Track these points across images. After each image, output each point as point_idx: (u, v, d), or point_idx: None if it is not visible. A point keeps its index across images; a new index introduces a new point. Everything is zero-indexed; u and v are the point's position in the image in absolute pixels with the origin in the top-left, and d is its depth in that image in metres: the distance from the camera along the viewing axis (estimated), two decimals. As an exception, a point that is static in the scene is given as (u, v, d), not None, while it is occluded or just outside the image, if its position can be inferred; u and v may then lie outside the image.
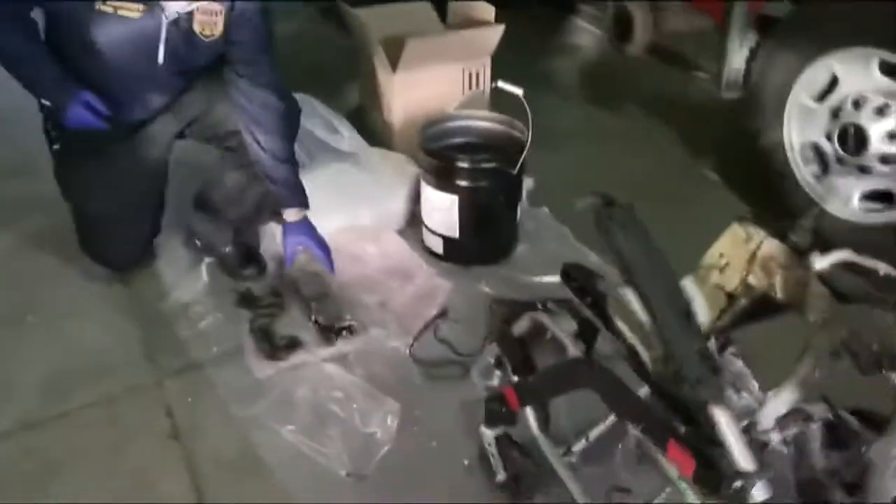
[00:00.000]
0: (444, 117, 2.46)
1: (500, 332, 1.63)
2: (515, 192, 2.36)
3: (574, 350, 1.41)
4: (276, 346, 2.02)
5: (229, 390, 1.93)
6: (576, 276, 1.42)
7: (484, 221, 2.33)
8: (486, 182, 2.26)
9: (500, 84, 2.33)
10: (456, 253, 2.37)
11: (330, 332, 2.06)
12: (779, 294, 1.47)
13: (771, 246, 1.46)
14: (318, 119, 2.56)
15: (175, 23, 1.89)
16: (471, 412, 1.87)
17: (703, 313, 1.23)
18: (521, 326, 1.58)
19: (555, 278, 2.31)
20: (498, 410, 1.59)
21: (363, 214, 2.42)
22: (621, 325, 1.30)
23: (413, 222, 2.53)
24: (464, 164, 2.24)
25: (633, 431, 1.26)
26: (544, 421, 1.57)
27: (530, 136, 2.24)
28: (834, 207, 2.41)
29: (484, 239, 2.37)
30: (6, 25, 1.85)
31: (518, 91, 2.27)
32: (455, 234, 2.33)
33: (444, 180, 2.28)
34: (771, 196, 2.59)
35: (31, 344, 2.10)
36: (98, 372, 2.00)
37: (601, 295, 1.36)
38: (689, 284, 1.26)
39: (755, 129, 2.58)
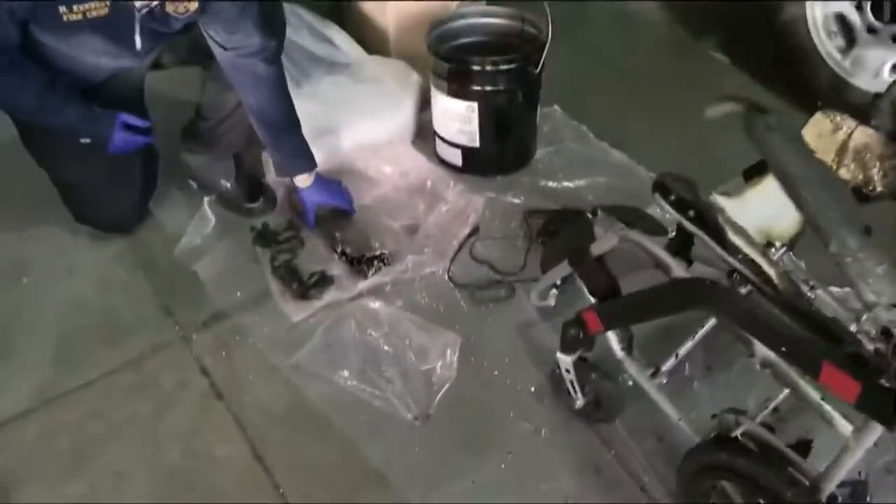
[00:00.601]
0: (451, 16, 2.24)
1: (576, 250, 1.49)
2: (535, 93, 2.18)
3: (679, 269, 1.28)
4: (305, 285, 1.87)
5: (265, 338, 1.78)
6: (673, 186, 1.28)
7: (505, 127, 2.16)
8: (507, 84, 2.08)
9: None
10: (476, 163, 2.21)
11: (360, 264, 1.91)
12: (878, 186, 1.36)
13: (863, 134, 1.34)
14: (306, 30, 2.31)
15: (148, 13, 1.65)
16: (527, 335, 1.78)
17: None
18: (602, 245, 1.45)
19: (582, 181, 2.21)
20: (577, 335, 1.48)
21: (370, 130, 2.22)
22: (737, 240, 1.18)
23: (421, 134, 2.35)
24: (483, 67, 2.04)
25: (765, 354, 1.16)
26: (628, 342, 1.47)
27: (550, 30, 2.05)
28: (862, 81, 2.30)
29: (505, 146, 2.20)
30: (11, 83, 1.66)
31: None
32: (475, 143, 2.16)
33: (459, 86, 2.09)
34: (790, 75, 2.46)
35: (31, 308, 1.90)
36: (114, 333, 1.82)
37: (707, 206, 1.23)
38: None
39: (772, 4, 2.42)
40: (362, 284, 1.86)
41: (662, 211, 1.32)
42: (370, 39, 2.51)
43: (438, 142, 2.24)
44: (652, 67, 2.76)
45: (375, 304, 1.79)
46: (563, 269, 1.57)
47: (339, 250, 1.95)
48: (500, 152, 2.20)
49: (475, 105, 2.09)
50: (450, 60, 2.08)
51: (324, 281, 1.87)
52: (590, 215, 1.77)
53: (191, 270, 1.94)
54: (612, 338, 1.45)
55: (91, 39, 1.65)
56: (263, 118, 1.89)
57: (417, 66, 2.38)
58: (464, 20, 2.25)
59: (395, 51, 2.47)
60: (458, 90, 2.09)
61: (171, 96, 2.27)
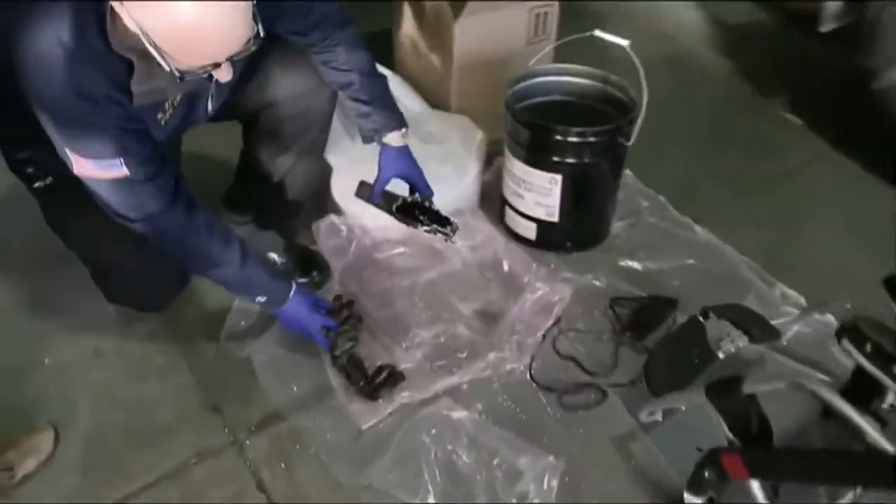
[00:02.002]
0: (528, 73, 2.03)
1: (720, 384, 1.28)
2: (622, 165, 1.98)
3: (880, 438, 1.07)
4: (373, 383, 1.64)
5: (329, 447, 1.55)
6: (869, 333, 1.07)
7: (588, 201, 1.96)
8: (594, 156, 1.87)
9: (599, 33, 1.90)
10: (552, 238, 2.00)
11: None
12: None
13: None
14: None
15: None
16: (627, 453, 1.56)
17: None
18: (761, 386, 1.24)
19: (666, 263, 2.01)
20: (712, 479, 1.27)
21: (436, 196, 1.99)
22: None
23: (484, 199, 2.14)
24: (571, 138, 1.83)
25: None
26: (775, 490, 1.26)
27: (646, 95, 1.84)
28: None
29: (585, 221, 2.00)
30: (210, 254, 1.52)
31: (624, 42, 1.85)
32: (553, 217, 1.95)
33: (541, 155, 1.88)
34: (881, 144, 2.29)
35: (54, 398, 1.65)
36: (152, 434, 1.58)
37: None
38: None
39: (869, 69, 2.24)
40: (438, 385, 1.64)
41: (850, 359, 1.11)
42: (425, 88, 2.29)
43: (509, 212, 2.03)
44: (721, 127, 2.59)
45: (455, 414, 1.57)
46: (691, 397, 1.36)
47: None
48: (578, 227, 1.99)
49: (558, 178, 1.88)
50: (531, 127, 1.87)
51: (394, 378, 1.65)
52: (700, 319, 1.58)
53: (239, 357, 1.71)
54: (756, 486, 1.25)
55: (174, 121, 1.48)
56: (354, 67, 1.66)
57: (479, 121, 2.17)
58: (540, 78, 2.04)
59: (455, 103, 2.26)
60: (540, 160, 1.88)
61: (203, 152, 2.04)
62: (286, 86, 1.66)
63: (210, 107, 1.52)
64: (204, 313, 1.81)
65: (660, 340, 1.70)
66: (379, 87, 1.70)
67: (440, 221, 1.73)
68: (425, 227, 1.73)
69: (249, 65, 1.55)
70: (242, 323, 1.77)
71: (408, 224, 1.74)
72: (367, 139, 1.73)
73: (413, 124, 2.05)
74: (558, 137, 1.84)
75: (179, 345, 1.75)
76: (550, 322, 1.77)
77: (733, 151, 2.43)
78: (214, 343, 1.74)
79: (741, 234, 2.05)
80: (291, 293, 1.60)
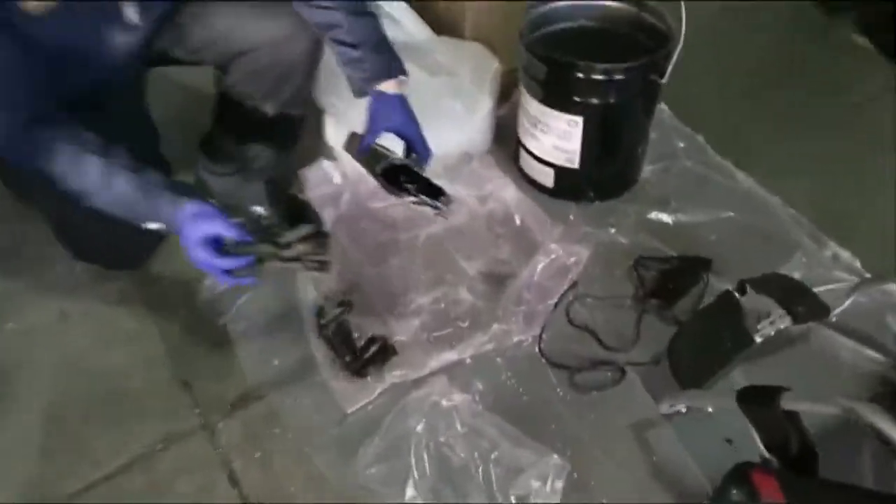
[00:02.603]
0: (550, -7, 1.75)
1: (755, 391, 1.08)
2: (654, 104, 1.72)
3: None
4: (361, 358, 1.46)
5: (310, 433, 1.39)
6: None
7: (614, 145, 1.71)
8: (622, 96, 1.62)
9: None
10: (571, 186, 1.76)
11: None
12: None
13: None
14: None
15: None
16: (645, 443, 1.38)
17: None
18: (804, 406, 1.03)
19: (703, 215, 1.77)
20: (741, 499, 1.08)
21: (440, 136, 1.75)
22: None
23: (497, 138, 1.90)
24: (595, 76, 1.57)
25: None
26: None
27: (684, 22, 1.56)
28: None
29: (610, 166, 1.76)
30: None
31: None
32: (573, 163, 1.71)
33: (560, 94, 1.63)
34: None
35: (16, 365, 1.51)
36: (119, 411, 1.43)
37: None
38: None
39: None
40: (434, 361, 1.46)
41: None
42: (433, 12, 2.01)
43: (524, 155, 1.79)
44: (776, 57, 2.27)
45: (452, 397, 1.38)
46: (720, 399, 1.16)
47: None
48: (602, 174, 1.76)
49: (579, 120, 1.63)
50: (548, 62, 1.61)
51: (385, 353, 1.47)
52: (737, 294, 1.36)
53: (217, 324, 1.54)
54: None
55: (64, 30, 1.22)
56: (352, 6, 1.44)
57: (496, 49, 1.91)
58: (562, 1, 1.76)
59: (470, 29, 1.98)
60: (559, 99, 1.63)
61: (181, 82, 1.82)
62: (259, 31, 1.44)
63: (134, 18, 1.29)
64: (181, 273, 1.63)
65: (689, 317, 1.48)
66: (370, 27, 1.46)
67: (431, 192, 1.48)
68: (412, 198, 1.48)
69: None
70: (222, 285, 1.59)
71: (391, 192, 1.50)
72: (358, 92, 1.48)
73: (418, 54, 1.81)
74: (580, 75, 1.58)
75: (152, 308, 1.59)
76: (565, 287, 1.56)
77: (789, 86, 2.12)
78: (190, 307, 1.57)
79: (789, 183, 1.80)
80: (183, 212, 1.27)
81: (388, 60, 1.47)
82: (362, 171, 1.69)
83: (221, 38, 1.46)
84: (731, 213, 1.74)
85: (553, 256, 1.52)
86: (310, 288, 1.57)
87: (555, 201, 1.76)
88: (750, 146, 1.91)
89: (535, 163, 1.76)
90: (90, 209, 1.36)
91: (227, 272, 1.30)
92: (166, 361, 1.50)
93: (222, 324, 1.54)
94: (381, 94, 1.46)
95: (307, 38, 1.49)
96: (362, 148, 1.49)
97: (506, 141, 1.89)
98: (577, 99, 1.61)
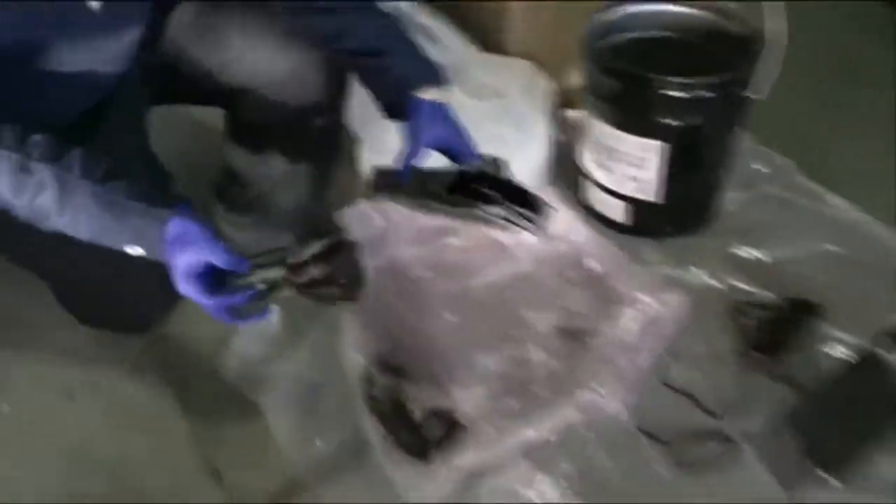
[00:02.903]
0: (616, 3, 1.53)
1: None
2: (741, 121, 1.49)
3: None
4: (423, 436, 1.23)
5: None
6: None
7: (698, 172, 1.49)
8: (708, 114, 1.39)
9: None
10: (647, 220, 1.54)
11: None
12: None
13: None
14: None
15: None
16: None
17: None
18: None
19: (800, 250, 1.54)
20: None
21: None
22: None
23: (556, 169, 1.68)
24: (676, 93, 1.35)
25: None
26: None
27: (785, 24, 1.34)
28: None
29: (693, 196, 1.53)
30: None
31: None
32: (650, 195, 1.49)
33: (636, 115, 1.41)
34: None
35: (14, 459, 1.27)
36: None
37: None
38: None
39: None
40: (510, 439, 1.22)
41: None
42: (473, 25, 1.79)
43: (588, 186, 1.57)
44: (864, 59, 2.02)
45: (532, 487, 1.15)
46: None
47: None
48: (684, 205, 1.53)
49: (657, 145, 1.41)
50: (623, 77, 1.39)
51: (451, 430, 1.24)
52: (881, 351, 1.13)
53: (247, 397, 1.31)
54: None
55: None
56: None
57: (545, 65, 1.70)
58: (631, 7, 1.54)
59: (516, 43, 1.76)
60: (634, 122, 1.41)
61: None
62: (259, 66, 1.22)
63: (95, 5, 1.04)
64: (201, 336, 1.41)
65: (819, 383, 1.25)
66: (390, 28, 1.21)
67: (525, 202, 1.11)
68: (503, 216, 1.10)
69: None
70: (251, 349, 1.36)
71: (472, 217, 1.11)
72: (391, 111, 1.21)
73: (459, 74, 1.61)
74: (661, 91, 1.36)
75: (170, 380, 1.36)
76: (657, 342, 1.33)
77: (884, 91, 1.89)
78: (214, 377, 1.34)
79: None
80: (163, 234, 0.97)
81: (422, 65, 1.21)
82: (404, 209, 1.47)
83: (210, 68, 1.24)
84: (831, 246, 1.51)
85: (639, 306, 1.29)
86: (353, 350, 1.34)
87: (628, 239, 1.54)
88: (842, 166, 1.68)
89: (603, 195, 1.54)
90: (86, 258, 1.11)
91: (229, 309, 1.02)
92: (190, 446, 1.27)
93: (254, 397, 1.30)
94: (420, 103, 1.17)
95: (324, 67, 1.26)
96: (402, 174, 1.17)
97: (563, 171, 1.67)
98: (656, 120, 1.38)
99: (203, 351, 1.39)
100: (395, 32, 1.22)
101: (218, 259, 0.97)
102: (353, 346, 1.33)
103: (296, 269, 1.00)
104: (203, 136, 1.68)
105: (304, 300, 1.40)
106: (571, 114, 1.67)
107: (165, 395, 1.34)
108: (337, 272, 1.02)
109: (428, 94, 1.18)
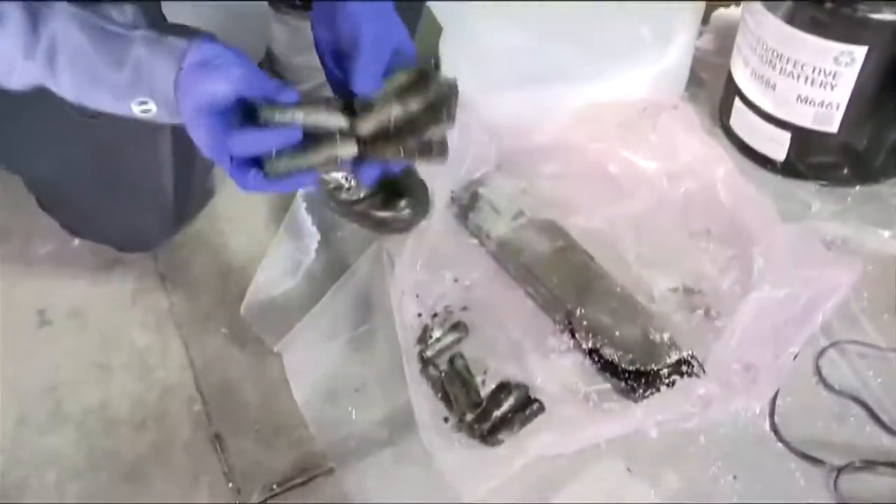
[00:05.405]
0: None
1: None
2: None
3: None
4: (490, 416, 0.92)
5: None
6: None
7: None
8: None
9: None
10: (818, 159, 1.16)
11: (616, 372, 0.94)
12: None
13: None
14: None
15: None
16: None
17: None
18: None
19: None
20: None
21: (619, 76, 1.19)
22: None
23: (696, 83, 1.30)
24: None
25: None
26: None
27: None
28: None
29: (889, 133, 1.14)
30: None
31: None
32: (831, 124, 1.10)
33: (829, 9, 1.02)
34: None
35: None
36: (122, 477, 0.93)
37: None
38: None
39: None
40: (601, 429, 0.90)
41: None
42: None
43: (741, 109, 1.19)
44: None
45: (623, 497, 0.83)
46: None
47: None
48: (873, 144, 1.14)
49: (860, 52, 1.01)
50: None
51: (526, 408, 0.92)
52: None
53: (269, 349, 1.02)
54: None
55: None
56: None
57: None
58: None
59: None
60: (825, 17, 1.02)
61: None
62: None
63: None
64: (216, 267, 1.13)
65: None
66: None
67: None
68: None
69: None
70: (275, 289, 1.07)
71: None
72: None
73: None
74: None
75: (175, 318, 1.08)
76: (813, 328, 0.97)
77: None
78: (229, 319, 1.05)
79: None
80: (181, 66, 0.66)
81: None
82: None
83: None
84: None
85: (792, 274, 0.93)
86: (408, 294, 1.03)
87: (787, 183, 1.17)
88: None
89: (760, 122, 1.16)
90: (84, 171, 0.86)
91: (255, 163, 0.67)
92: (193, 403, 1.00)
93: (274, 349, 1.01)
94: None
95: None
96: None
97: (706, 86, 1.29)
98: (861, 14, 0.99)
99: (217, 285, 1.10)
100: None
101: (255, 84, 0.66)
102: (407, 291, 1.02)
103: (366, 110, 0.69)
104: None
105: (348, 225, 1.12)
106: (724, 11, 1.30)
107: (168, 333, 1.06)
108: (425, 116, 0.69)
109: None
